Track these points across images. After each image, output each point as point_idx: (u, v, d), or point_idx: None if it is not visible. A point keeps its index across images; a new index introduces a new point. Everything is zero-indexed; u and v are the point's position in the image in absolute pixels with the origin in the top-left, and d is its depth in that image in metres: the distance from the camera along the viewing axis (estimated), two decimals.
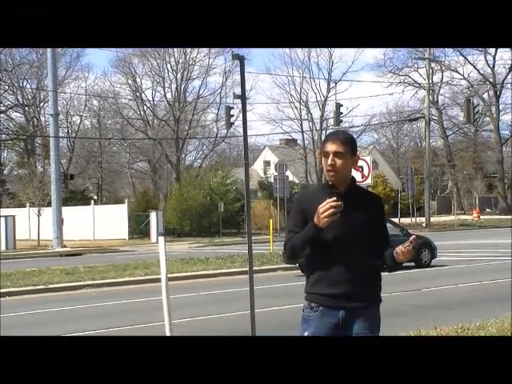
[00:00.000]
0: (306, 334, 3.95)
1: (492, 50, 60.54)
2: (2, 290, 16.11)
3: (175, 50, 54.56)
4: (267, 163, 61.89)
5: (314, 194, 4.07)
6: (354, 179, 4.04)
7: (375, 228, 3.97)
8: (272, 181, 42.02)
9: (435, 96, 62.22)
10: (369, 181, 22.71)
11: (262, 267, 19.78)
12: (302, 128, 56.32)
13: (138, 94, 58.61)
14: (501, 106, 64.29)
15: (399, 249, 3.86)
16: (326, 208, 3.73)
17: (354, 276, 3.86)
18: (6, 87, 58.15)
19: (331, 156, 3.89)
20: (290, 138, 64.15)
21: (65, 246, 34.22)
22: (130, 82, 58.32)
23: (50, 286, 16.93)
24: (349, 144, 3.94)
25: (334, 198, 3.74)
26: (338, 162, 3.88)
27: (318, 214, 3.75)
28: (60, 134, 44.45)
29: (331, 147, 3.90)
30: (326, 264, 3.89)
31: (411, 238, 3.85)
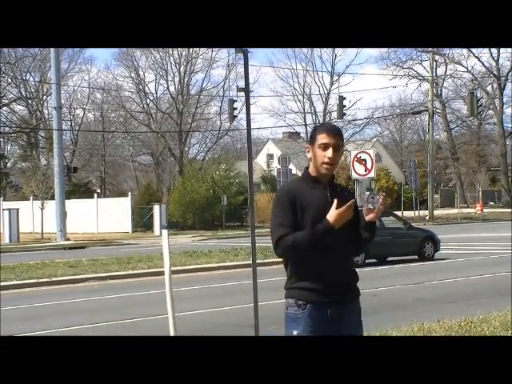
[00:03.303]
0: (295, 333, 3.81)
1: None
2: (6, 283, 16.17)
3: None
4: (270, 156, 61.92)
5: (305, 187, 3.89)
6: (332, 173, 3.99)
7: (354, 219, 3.89)
8: (275, 174, 42.02)
9: (439, 89, 62.08)
10: (372, 174, 22.69)
11: (266, 260, 19.79)
12: (305, 121, 56.17)
13: (141, 87, 58.57)
14: (504, 99, 64.18)
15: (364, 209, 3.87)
16: (348, 211, 3.73)
17: (339, 270, 3.85)
18: (9, 80, 58.16)
19: (331, 149, 3.82)
20: (293, 131, 64.08)
21: (68, 239, 34.28)
22: (132, 75, 58.35)
23: (54, 279, 16.97)
24: (342, 138, 3.95)
25: (354, 201, 3.75)
26: (337, 155, 3.85)
27: (336, 215, 3.71)
28: (63, 127, 44.53)
29: (332, 140, 3.83)
30: (313, 258, 3.79)
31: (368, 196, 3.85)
